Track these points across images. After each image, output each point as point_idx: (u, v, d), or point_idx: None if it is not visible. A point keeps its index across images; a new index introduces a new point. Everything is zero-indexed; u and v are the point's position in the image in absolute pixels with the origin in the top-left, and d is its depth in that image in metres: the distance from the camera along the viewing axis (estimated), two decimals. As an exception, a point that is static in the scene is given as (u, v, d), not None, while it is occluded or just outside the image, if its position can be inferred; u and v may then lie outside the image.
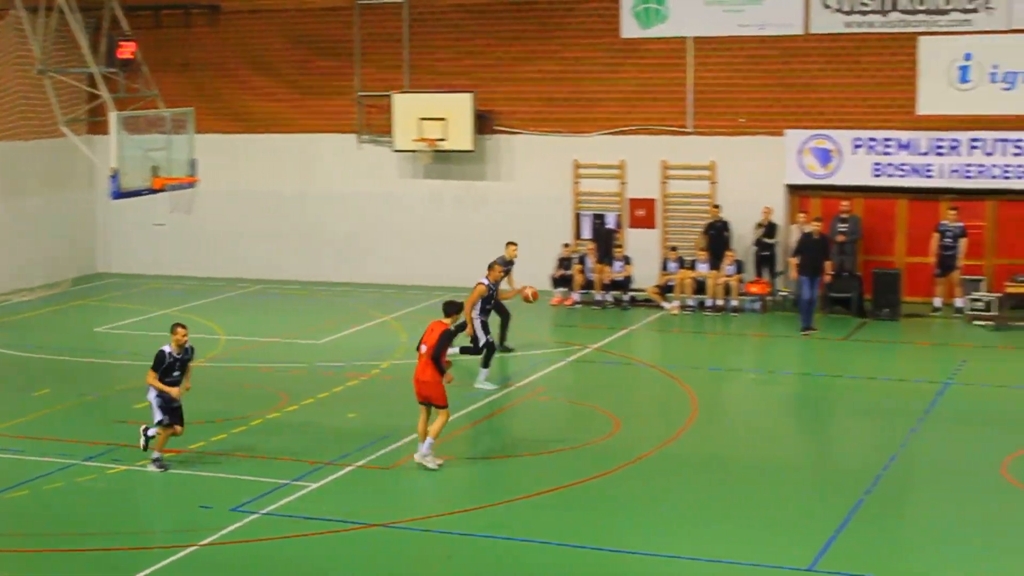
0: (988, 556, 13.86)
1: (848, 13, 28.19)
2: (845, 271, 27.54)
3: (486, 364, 21.58)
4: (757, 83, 29.00)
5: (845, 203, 28.27)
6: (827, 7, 28.28)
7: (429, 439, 16.90)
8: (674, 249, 29.06)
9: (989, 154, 27.44)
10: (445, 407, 16.96)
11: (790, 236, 28.15)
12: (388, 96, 31.15)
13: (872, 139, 28.19)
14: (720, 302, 28.10)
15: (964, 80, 27.61)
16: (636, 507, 15.64)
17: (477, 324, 21.46)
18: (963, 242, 27.37)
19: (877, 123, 28.23)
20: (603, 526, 14.98)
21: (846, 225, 27.93)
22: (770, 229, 28.53)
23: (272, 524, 14.93)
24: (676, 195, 29.88)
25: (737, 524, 15.01)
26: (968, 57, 27.50)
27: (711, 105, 29.36)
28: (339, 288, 31.25)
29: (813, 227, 26.40)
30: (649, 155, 29.79)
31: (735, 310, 27.98)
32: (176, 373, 16.88)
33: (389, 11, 31.41)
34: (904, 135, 27.94)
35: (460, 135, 30.39)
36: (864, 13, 28.08)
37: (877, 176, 28.26)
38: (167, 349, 16.83)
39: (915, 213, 28.71)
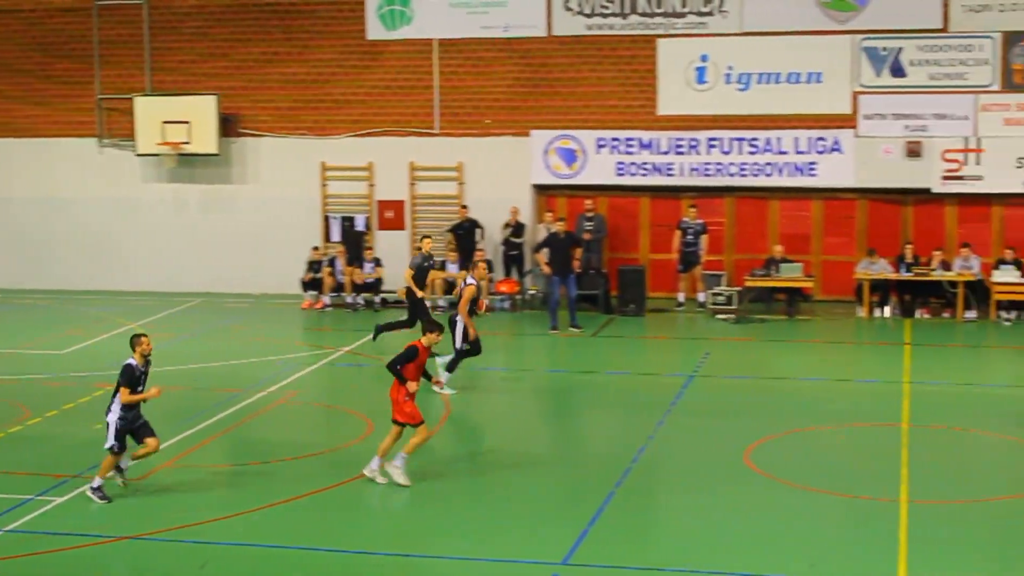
0: (733, 542, 14.29)
1: (589, 16, 28.75)
2: (592, 269, 28.07)
3: (452, 368, 21.18)
4: (502, 84, 29.32)
5: (589, 202, 28.83)
6: (568, 10, 28.79)
7: (402, 454, 16.19)
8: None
9: (726, 152, 28.35)
10: (416, 424, 16.11)
11: (537, 235, 28.55)
12: (130, 99, 30.40)
13: (615, 139, 28.81)
14: (471, 302, 28.28)
15: (701, 81, 28.46)
16: (390, 508, 15.61)
17: (464, 325, 21.04)
18: (704, 238, 28.22)
19: (620, 123, 28.87)
20: (358, 529, 14.92)
21: (591, 223, 28.47)
22: (518, 229, 28.89)
23: (15, 542, 14.38)
24: (425, 196, 29.99)
25: (490, 521, 15.12)
26: (704, 59, 28.37)
27: (457, 106, 29.56)
28: (85, 296, 30.33)
29: (558, 226, 26.82)
30: (397, 157, 29.82)
31: (486, 309, 28.19)
32: (140, 388, 15.87)
33: (129, 12, 30.65)
34: (646, 135, 28.64)
35: (204, 138, 29.87)
36: (605, 16, 28.68)
37: (620, 175, 28.90)
38: (133, 362, 15.78)
39: (658, 211, 29.49)
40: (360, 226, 30.16)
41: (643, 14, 28.59)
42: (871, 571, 13.43)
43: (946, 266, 27.21)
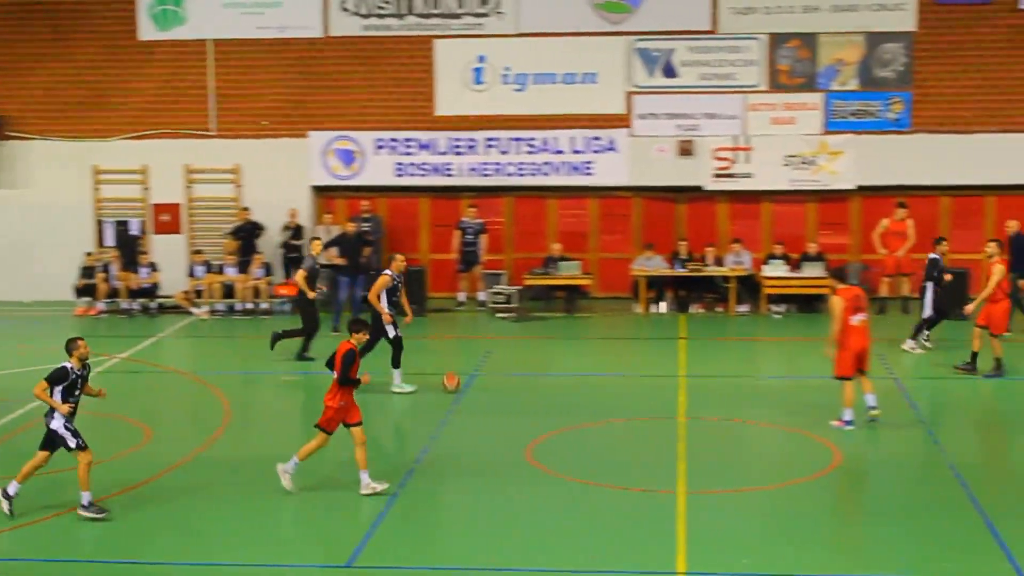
0: (517, 539, 14.41)
1: (366, 16, 28.67)
2: (373, 270, 27.97)
3: (397, 364, 20.87)
4: (279, 85, 29.04)
5: (365, 203, 28.77)
6: (345, 10, 28.66)
7: (295, 458, 15.89)
8: (200, 253, 28.67)
9: (504, 152, 28.61)
10: (327, 433, 15.82)
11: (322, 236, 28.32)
12: None
13: (394, 140, 28.80)
14: (250, 305, 27.97)
15: (478, 82, 28.65)
16: (169, 516, 15.29)
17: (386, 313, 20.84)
18: (483, 238, 28.42)
19: (398, 124, 28.87)
20: (138, 537, 14.57)
21: (368, 224, 28.39)
22: (297, 231, 28.63)
23: None
24: (202, 199, 29.50)
25: (273, 526, 14.96)
26: (482, 60, 28.57)
27: (234, 108, 29.17)
28: None
29: (350, 226, 26.74)
30: (172, 159, 29.27)
31: (265, 312, 27.91)
32: (77, 392, 15.09)
33: None
34: (424, 136, 28.71)
35: (-31, 141, 28.85)
36: (381, 16, 28.65)
37: (400, 176, 28.91)
38: (69, 365, 14.98)
39: (437, 211, 29.60)
40: (135, 230, 29.50)
41: (420, 15, 28.64)
42: (651, 562, 13.70)
43: (719, 262, 27.96)
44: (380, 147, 28.91)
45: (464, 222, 28.45)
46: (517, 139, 28.64)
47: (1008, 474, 16.82)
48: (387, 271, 21.32)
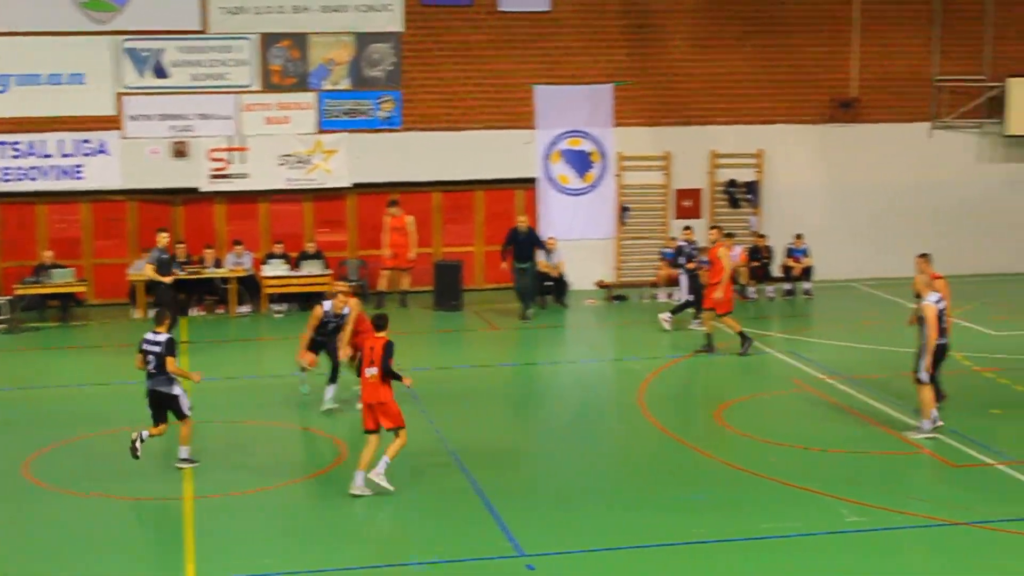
0: (18, 558, 13.78)
1: None
2: None
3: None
4: None
5: None
6: None
7: (385, 459, 15.71)
8: None
9: (-12, 157, 27.26)
10: (403, 427, 15.78)
11: None
12: None
13: None
14: None
15: (-45, 82, 27.14)
16: None
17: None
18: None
19: None
20: None
21: None
22: None
23: None
24: None
25: None
26: (-42, 59, 27.08)
27: None
28: None
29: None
30: None
31: None
32: None
33: None
34: None
35: None
36: None
37: None
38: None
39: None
40: None
41: None
42: (159, 572, 13.43)
43: (218, 263, 27.71)
44: None
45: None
46: (1, 143, 27.32)
47: (500, 454, 17.57)
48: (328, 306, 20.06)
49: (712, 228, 24.60)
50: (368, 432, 15.80)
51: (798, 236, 29.06)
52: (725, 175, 30.15)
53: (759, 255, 28.90)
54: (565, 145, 29.52)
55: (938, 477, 16.70)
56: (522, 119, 29.31)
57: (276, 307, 27.51)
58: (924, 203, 30.64)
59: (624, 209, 29.77)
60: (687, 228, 27.08)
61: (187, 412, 16.72)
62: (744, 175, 30.21)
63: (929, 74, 30.41)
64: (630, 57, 29.53)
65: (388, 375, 15.67)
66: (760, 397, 20.35)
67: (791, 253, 29.19)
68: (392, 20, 28.61)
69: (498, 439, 18.32)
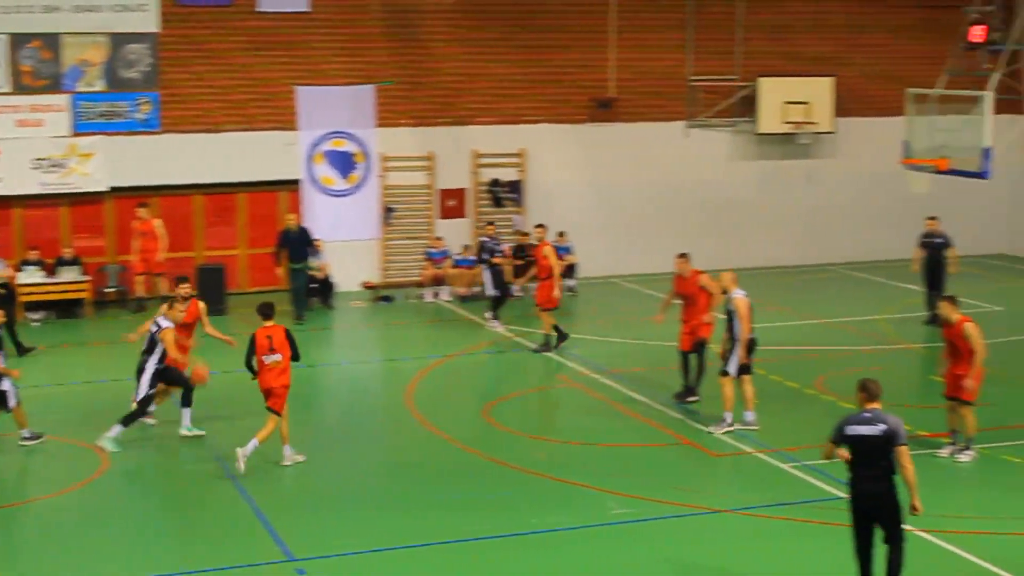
0: None
1: None
2: None
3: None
4: None
5: None
6: None
7: (254, 441, 16.69)
8: None
9: None
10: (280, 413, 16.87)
11: None
12: None
13: None
14: None
15: None
16: None
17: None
18: None
19: None
20: None
21: None
22: None
23: None
24: None
25: None
26: None
27: None
28: None
29: None
30: None
31: None
32: None
33: None
34: None
35: None
36: None
37: None
38: None
39: None
40: None
41: None
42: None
43: (-30, 271, 26.70)
44: None
45: None
46: None
47: (269, 459, 17.40)
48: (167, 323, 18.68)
49: (537, 226, 24.80)
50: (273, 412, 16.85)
51: (561, 234, 29.51)
52: (488, 174, 30.44)
53: (523, 253, 29.24)
54: (328, 146, 29.38)
55: (700, 467, 17.18)
56: (284, 120, 29.05)
57: (33, 316, 26.64)
58: (682, 200, 31.47)
59: (388, 210, 29.78)
60: (491, 223, 27.27)
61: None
62: (507, 174, 30.54)
63: (684, 74, 31.23)
64: (392, 57, 29.55)
65: (295, 359, 16.96)
66: (527, 394, 20.63)
67: (555, 251, 29.58)
68: (147, 20, 28.00)
69: (266, 444, 18.12)
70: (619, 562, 13.85)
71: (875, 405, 12.46)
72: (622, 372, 21.96)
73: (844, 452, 12.39)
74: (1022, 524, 14.87)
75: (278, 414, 16.81)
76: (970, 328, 16.73)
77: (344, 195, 29.58)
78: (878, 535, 12.36)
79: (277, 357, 16.69)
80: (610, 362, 22.69)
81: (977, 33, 24.97)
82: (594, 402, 20.31)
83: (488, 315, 25.81)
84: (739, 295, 18.38)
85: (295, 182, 29.27)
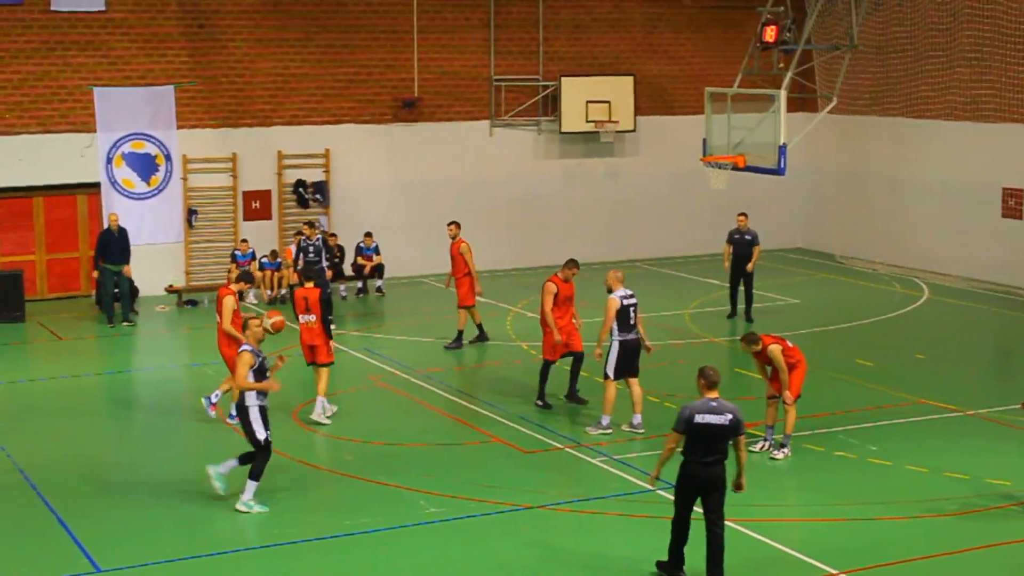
0: None
1: None
2: None
3: None
4: None
5: None
6: None
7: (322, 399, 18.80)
8: None
9: None
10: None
11: None
12: None
13: None
14: None
15: None
16: None
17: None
18: None
19: None
20: None
21: None
22: None
23: None
24: None
25: None
26: None
27: None
28: None
29: None
30: None
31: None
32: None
33: None
34: None
35: None
36: None
37: None
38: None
39: None
40: None
41: None
42: None
43: None
44: None
45: None
46: None
47: (73, 468, 17.02)
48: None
49: (450, 224, 24.38)
50: (310, 364, 19.04)
51: (368, 234, 29.43)
52: (293, 175, 30.19)
53: (330, 254, 29.11)
54: (128, 148, 28.77)
55: (511, 464, 17.31)
56: (82, 122, 28.36)
57: None
58: (488, 199, 31.66)
59: (192, 212, 29.32)
60: (308, 224, 26.37)
61: None
62: (312, 175, 30.34)
63: (488, 74, 31.44)
64: (192, 58, 29.10)
65: (326, 321, 18.79)
66: (336, 395, 20.52)
67: (362, 252, 29.51)
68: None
69: (70, 453, 17.72)
70: (433, 561, 13.89)
71: (715, 393, 12.86)
72: (431, 371, 22.02)
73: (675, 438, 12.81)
74: (822, 511, 15.36)
75: (326, 365, 18.83)
76: (774, 351, 17.09)
77: (146, 198, 29.00)
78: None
79: (311, 317, 18.65)
80: (419, 362, 22.72)
81: (770, 34, 25.68)
82: (404, 402, 20.32)
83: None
84: (615, 295, 18.03)
85: (95, 185, 28.60)
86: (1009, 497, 15.67)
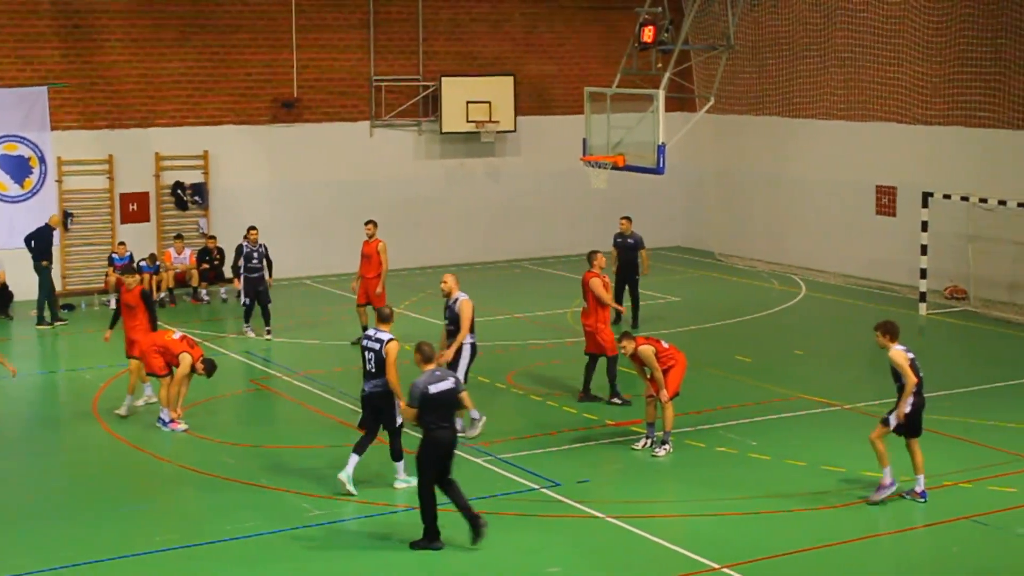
0: None
1: None
2: None
3: None
4: None
5: None
6: None
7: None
8: None
9: None
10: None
11: None
12: None
13: None
14: None
15: None
16: None
17: None
18: None
19: None
20: None
21: None
22: None
23: None
24: None
25: None
26: None
27: None
28: None
29: None
30: None
31: None
32: None
33: None
34: None
35: None
36: None
37: None
38: None
39: None
40: None
41: None
42: None
43: None
44: None
45: None
46: None
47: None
48: None
49: (367, 223, 23.91)
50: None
51: (252, 228, 29.06)
52: (171, 177, 29.78)
53: (209, 257, 28.76)
54: (1, 151, 28.19)
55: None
56: (-49, 124, 27.77)
57: None
58: (369, 200, 31.43)
59: (67, 215, 28.78)
60: (252, 228, 25.37)
61: None
62: (191, 177, 29.96)
63: (367, 75, 31.30)
64: (66, 58, 28.58)
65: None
66: (217, 399, 20.28)
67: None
68: None
69: None
70: (318, 564, 13.77)
71: (431, 366, 14.09)
72: (313, 373, 21.85)
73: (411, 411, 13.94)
74: (704, 506, 15.50)
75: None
76: (645, 352, 17.24)
77: (19, 201, 28.43)
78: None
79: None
80: (300, 363, 22.55)
81: (648, 34, 25.87)
82: (285, 404, 20.14)
83: (245, 326, 24.91)
84: (463, 297, 18.11)
85: (-35, 188, 28.00)
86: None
